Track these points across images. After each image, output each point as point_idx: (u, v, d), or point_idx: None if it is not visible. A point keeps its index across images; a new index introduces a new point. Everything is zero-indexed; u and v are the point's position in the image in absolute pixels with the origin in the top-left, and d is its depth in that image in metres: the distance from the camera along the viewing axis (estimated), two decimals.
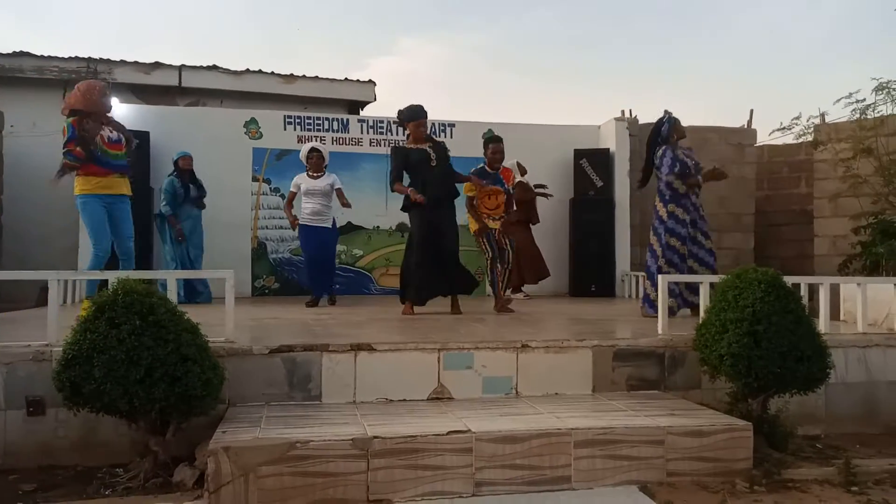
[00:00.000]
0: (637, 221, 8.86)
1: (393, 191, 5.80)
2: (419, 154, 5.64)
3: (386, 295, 8.49)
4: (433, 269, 5.57)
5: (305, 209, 6.75)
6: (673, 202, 5.56)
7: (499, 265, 6.14)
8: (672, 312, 5.36)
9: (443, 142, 6.06)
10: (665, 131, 5.70)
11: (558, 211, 8.74)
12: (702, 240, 5.61)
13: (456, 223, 5.81)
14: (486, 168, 6.30)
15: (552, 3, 28.41)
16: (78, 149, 4.86)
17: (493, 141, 6.37)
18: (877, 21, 27.50)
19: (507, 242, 6.19)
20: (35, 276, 3.91)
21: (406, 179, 5.73)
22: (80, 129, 4.87)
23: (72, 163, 4.88)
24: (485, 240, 6.16)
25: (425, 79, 28.81)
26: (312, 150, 6.88)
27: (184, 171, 7.19)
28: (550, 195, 8.31)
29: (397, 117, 5.90)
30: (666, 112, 5.76)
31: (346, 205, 6.77)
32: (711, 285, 4.21)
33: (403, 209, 5.78)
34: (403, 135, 6.59)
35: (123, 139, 5.08)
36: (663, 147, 5.64)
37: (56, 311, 3.66)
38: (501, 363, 3.83)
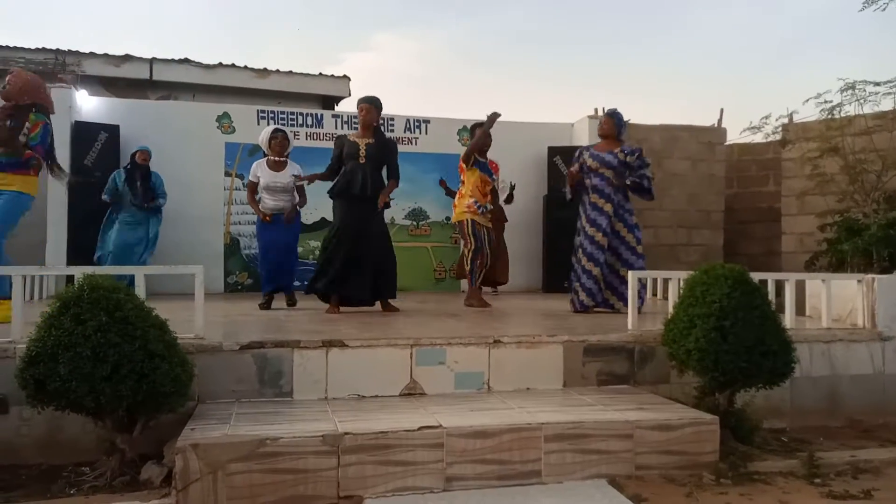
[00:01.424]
0: None
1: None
2: (351, 146, 5.47)
3: None
4: (350, 269, 5.32)
5: (266, 206, 5.91)
6: (572, 199, 5.90)
7: (479, 259, 5.93)
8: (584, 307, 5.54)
9: (390, 140, 5.79)
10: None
11: (532, 208, 8.79)
12: (599, 239, 5.58)
13: (381, 225, 5.54)
14: (477, 156, 6.06)
15: (526, 1, 28.52)
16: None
17: (480, 126, 6.12)
18: (844, 22, 28.04)
19: (489, 239, 6.04)
20: None
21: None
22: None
23: (35, 165, 4.87)
24: (470, 230, 5.90)
25: (400, 75, 28.75)
26: (277, 130, 6.03)
27: (139, 166, 7.07)
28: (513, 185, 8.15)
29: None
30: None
31: (301, 204, 6.10)
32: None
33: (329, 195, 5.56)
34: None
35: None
36: None
37: (20, 307, 3.59)
38: (474, 359, 3.84)
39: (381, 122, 8.70)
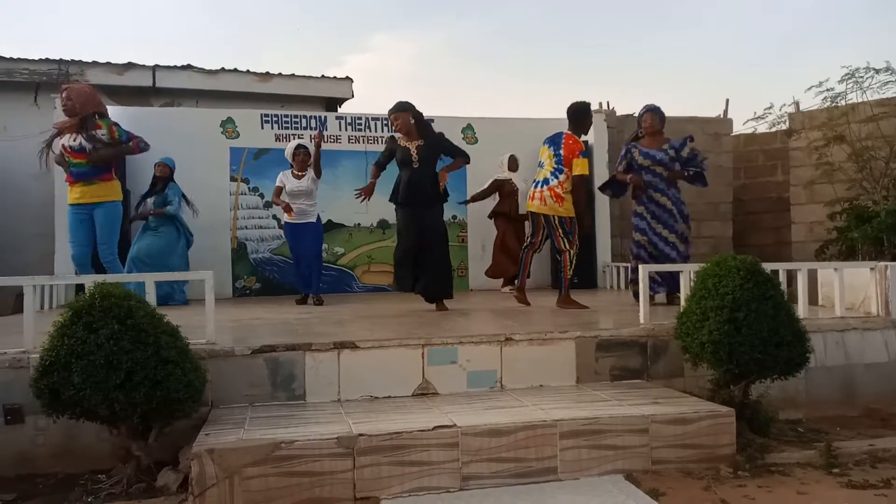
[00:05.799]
0: (617, 213, 8.93)
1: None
2: (403, 152, 5.54)
3: (368, 292, 8.47)
4: (406, 266, 5.60)
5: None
6: (635, 198, 5.84)
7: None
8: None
9: (437, 133, 5.69)
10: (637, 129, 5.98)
11: None
12: (665, 234, 5.69)
13: (437, 225, 5.56)
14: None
15: None
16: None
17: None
18: (848, 7, 27.86)
19: None
20: (10, 282, 3.83)
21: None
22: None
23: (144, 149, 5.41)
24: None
25: (401, 75, 28.74)
26: (299, 146, 6.81)
27: (157, 178, 7.16)
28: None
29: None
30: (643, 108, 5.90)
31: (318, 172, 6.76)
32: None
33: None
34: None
35: (88, 147, 5.08)
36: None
37: (32, 317, 3.60)
38: (486, 357, 3.83)
39: (386, 121, 8.73)
